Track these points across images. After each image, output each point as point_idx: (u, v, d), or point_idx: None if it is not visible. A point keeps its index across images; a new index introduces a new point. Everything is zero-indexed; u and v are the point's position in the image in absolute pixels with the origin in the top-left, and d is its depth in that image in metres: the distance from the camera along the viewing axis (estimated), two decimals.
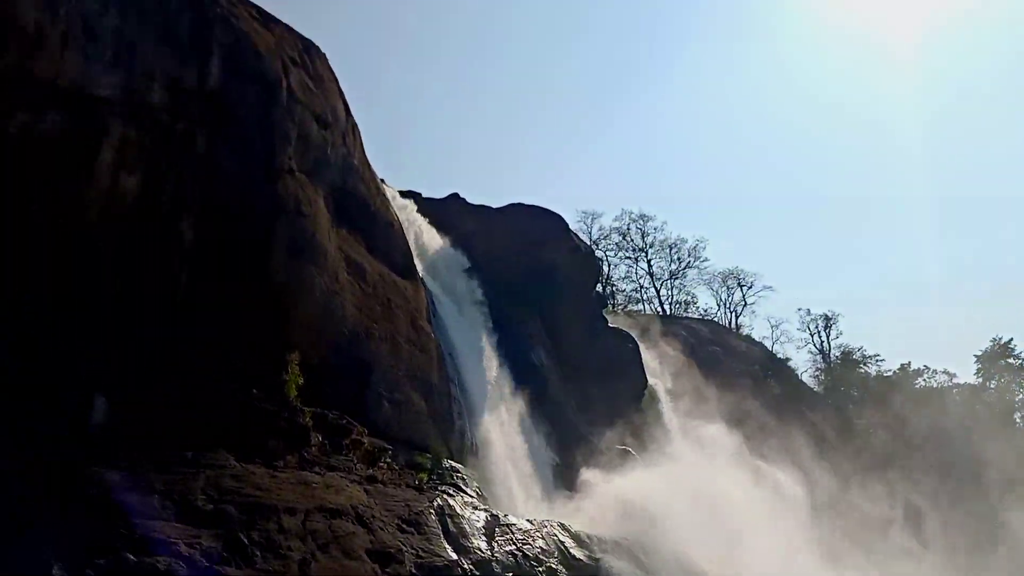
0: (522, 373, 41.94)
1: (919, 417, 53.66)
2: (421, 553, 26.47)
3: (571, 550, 30.14)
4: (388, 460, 30.79)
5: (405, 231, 39.44)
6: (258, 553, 22.28)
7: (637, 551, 31.02)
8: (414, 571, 25.49)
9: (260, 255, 29.24)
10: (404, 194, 45.62)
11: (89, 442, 22.75)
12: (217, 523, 22.31)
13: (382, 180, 40.50)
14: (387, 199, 39.36)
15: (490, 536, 29.18)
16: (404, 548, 26.09)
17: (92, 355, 24.39)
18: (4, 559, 19.11)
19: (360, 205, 35.90)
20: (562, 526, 31.56)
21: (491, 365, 40.67)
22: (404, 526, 27.23)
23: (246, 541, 22.30)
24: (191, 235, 27.66)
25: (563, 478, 38.64)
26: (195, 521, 22.02)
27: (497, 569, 27.61)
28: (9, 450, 21.14)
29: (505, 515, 30.98)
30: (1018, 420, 67.22)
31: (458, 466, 33.50)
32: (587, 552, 30.23)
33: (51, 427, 22.34)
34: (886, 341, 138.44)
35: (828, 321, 75.20)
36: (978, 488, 49.15)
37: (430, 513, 28.58)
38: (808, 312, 75.97)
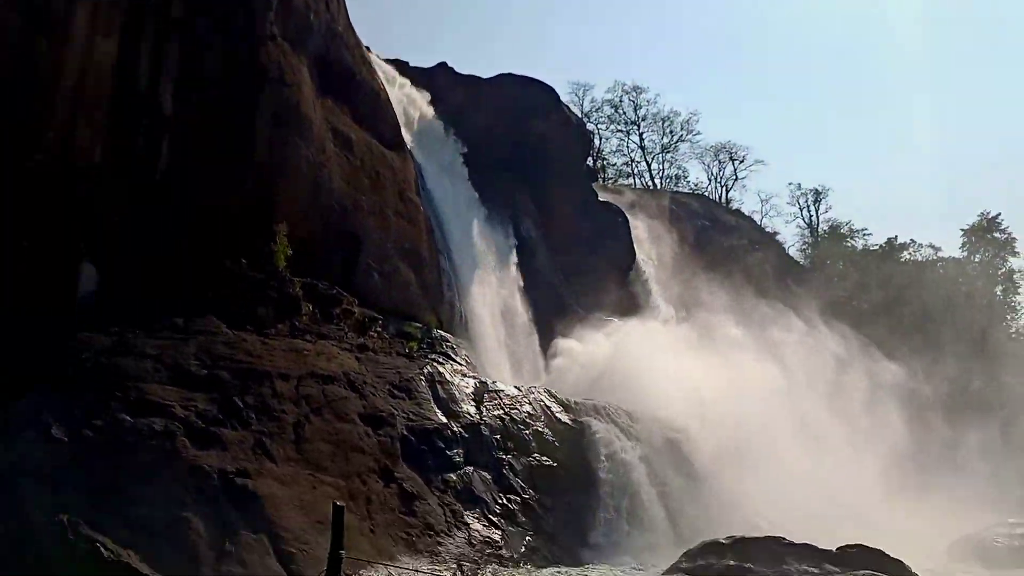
0: (510, 244, 42.27)
1: (902, 290, 54.59)
2: (412, 416, 27.43)
3: (557, 414, 31.21)
4: (378, 330, 31.39)
5: (392, 102, 38.67)
6: (253, 416, 23.05)
7: (620, 415, 32.12)
8: (405, 433, 26.50)
9: (243, 126, 28.80)
10: (390, 63, 44.41)
11: (80, 310, 23.08)
12: (211, 387, 22.98)
13: (367, 48, 39.37)
14: (373, 68, 38.39)
15: (479, 401, 30.17)
16: (395, 412, 27.02)
17: (79, 225, 24.39)
18: (4, 423, 19.75)
19: (345, 74, 35.06)
20: (548, 392, 32.57)
21: (479, 238, 40.86)
22: (395, 391, 28.10)
23: (241, 404, 23.03)
24: (171, 105, 27.19)
25: (550, 347, 39.57)
26: (189, 385, 22.66)
27: (486, 432, 28.69)
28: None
29: (493, 382, 31.91)
30: (998, 293, 68.38)
31: (447, 336, 34.18)
32: (572, 416, 31.31)
33: (40, 296, 22.56)
34: (874, 216, 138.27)
35: (818, 195, 75.18)
36: (957, 359, 50.61)
37: (420, 380, 29.43)
38: (798, 187, 75.78)
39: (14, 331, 21.30)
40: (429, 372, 30.10)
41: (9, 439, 19.42)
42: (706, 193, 73.90)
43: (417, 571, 21.40)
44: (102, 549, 17.91)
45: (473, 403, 29.98)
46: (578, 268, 44.36)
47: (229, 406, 22.67)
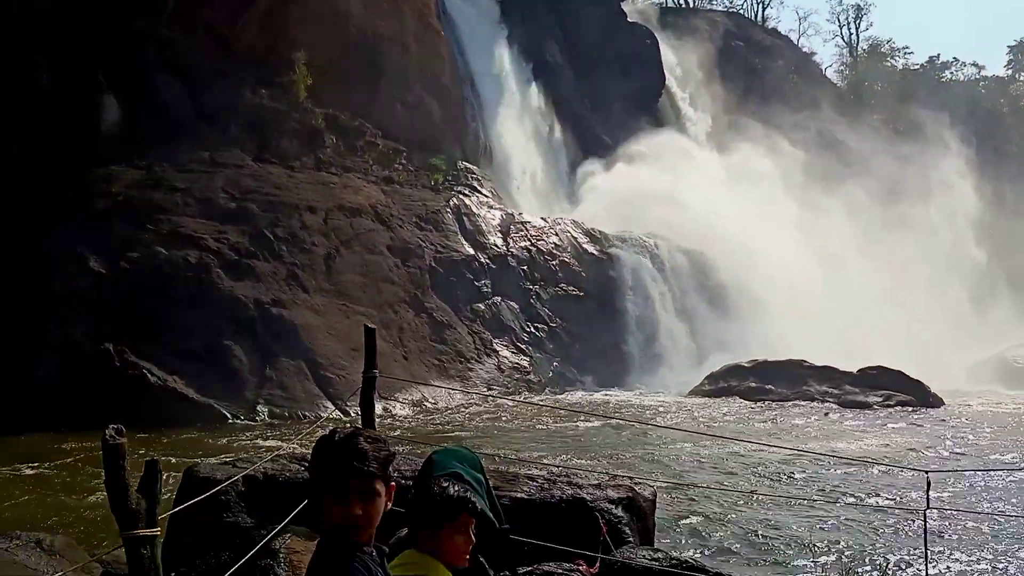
0: (535, 71, 40.77)
1: (943, 110, 52.21)
2: (439, 248, 27.72)
3: (584, 245, 31.35)
4: (403, 162, 31.09)
5: None
6: (284, 248, 23.40)
7: (647, 245, 32.18)
8: (433, 265, 26.88)
9: None
10: None
11: (103, 144, 22.93)
12: (241, 220, 23.20)
13: None
14: None
15: (505, 233, 30.30)
16: (423, 244, 27.29)
17: (97, 54, 23.74)
18: (43, 256, 20.15)
19: None
20: (575, 223, 32.54)
21: (503, 64, 39.44)
22: (422, 224, 28.25)
23: (271, 237, 23.32)
24: None
25: (576, 177, 39.03)
26: (220, 218, 22.89)
27: (513, 263, 29.00)
28: (19, 153, 21.34)
29: (519, 213, 31.91)
30: None
31: (472, 167, 33.82)
32: (599, 247, 31.44)
33: (65, 130, 22.34)
34: (916, 34, 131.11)
35: (859, 11, 70.91)
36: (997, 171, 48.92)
37: (447, 212, 29.49)
38: (839, 1, 71.40)
39: (42, 166, 21.31)
40: (455, 204, 30.08)
41: (50, 271, 19.91)
42: (740, 11, 70.05)
43: (451, 390, 22.32)
44: (148, 375, 18.77)
45: (500, 235, 30.12)
46: (606, 94, 42.85)
47: (260, 238, 22.96)
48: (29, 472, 13.67)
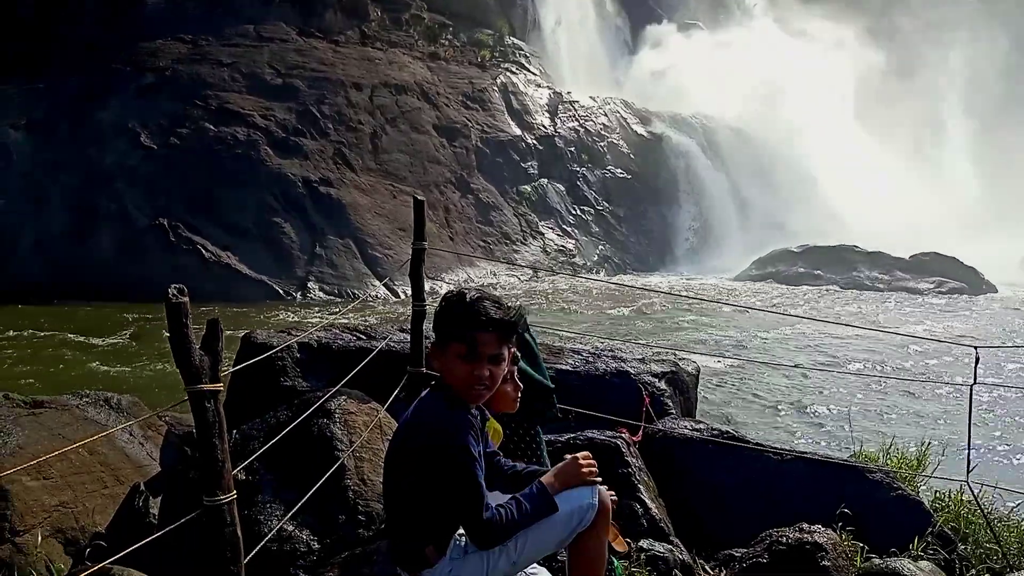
0: None
1: None
2: (486, 128, 27.33)
3: (633, 126, 30.66)
4: (449, 37, 30.32)
5: None
6: (331, 126, 23.29)
7: (697, 126, 31.37)
8: (479, 144, 26.58)
9: None
10: None
11: (148, 15, 22.73)
12: (287, 97, 23.06)
13: None
14: None
15: (553, 113, 29.69)
16: (469, 123, 26.92)
17: None
18: (93, 129, 20.36)
19: None
20: (624, 103, 31.73)
21: None
22: (468, 103, 27.78)
23: (317, 114, 23.20)
24: None
25: (628, 54, 37.72)
26: (266, 94, 22.76)
27: (560, 144, 28.54)
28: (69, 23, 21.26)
29: (568, 93, 31.14)
30: None
31: (521, 43, 32.87)
32: (648, 128, 30.73)
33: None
34: None
35: None
36: None
37: (493, 90, 28.88)
38: None
39: (92, 37, 21.27)
40: (502, 82, 29.43)
41: (102, 145, 20.17)
42: None
43: (495, 271, 22.53)
44: (203, 250, 19.22)
45: (547, 114, 29.54)
46: None
47: (307, 116, 22.87)
48: (93, 341, 14.28)
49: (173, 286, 3.32)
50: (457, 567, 2.39)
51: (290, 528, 3.75)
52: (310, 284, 19.69)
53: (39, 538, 4.11)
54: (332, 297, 19.46)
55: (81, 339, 14.28)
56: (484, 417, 2.55)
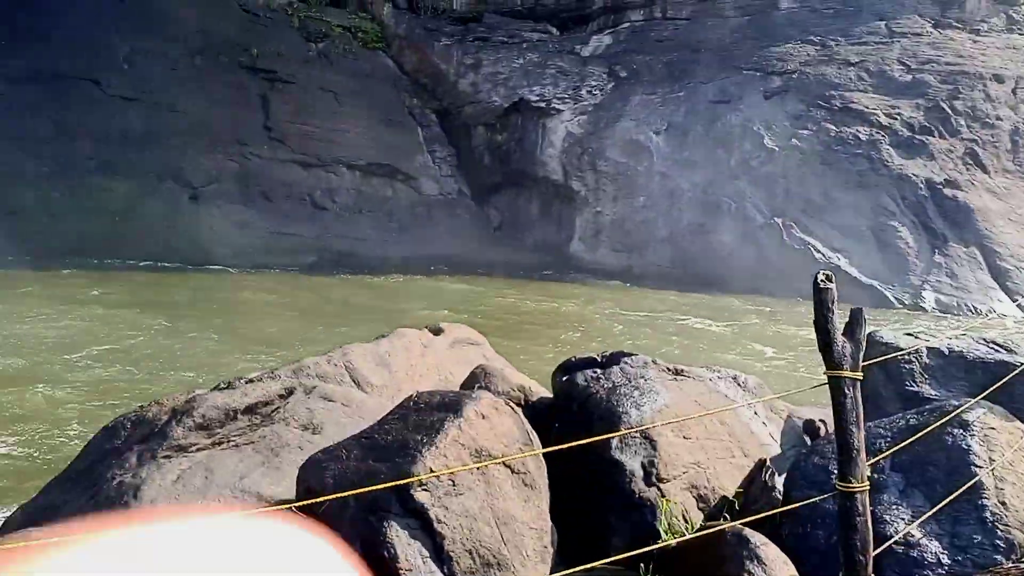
0: None
1: None
2: None
3: None
4: None
5: None
6: (963, 123, 21.29)
7: None
8: None
9: None
10: None
11: (780, 21, 23.59)
12: (915, 93, 21.74)
13: None
14: None
15: None
16: None
17: None
18: (723, 130, 22.01)
19: None
20: None
21: None
22: None
23: (948, 110, 21.40)
24: None
25: None
26: (892, 92, 21.79)
27: None
28: None
29: None
30: None
31: None
32: None
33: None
34: None
35: None
36: None
37: None
38: None
39: (725, 45, 22.94)
40: None
41: (729, 146, 21.64)
42: None
43: None
44: (814, 251, 19.41)
45: None
46: None
47: (935, 112, 21.29)
48: (709, 325, 15.65)
49: (822, 271, 3.49)
50: None
51: (917, 535, 3.64)
52: (924, 293, 18.39)
53: (679, 488, 4.72)
54: (947, 310, 17.87)
55: (699, 323, 15.78)
56: None
